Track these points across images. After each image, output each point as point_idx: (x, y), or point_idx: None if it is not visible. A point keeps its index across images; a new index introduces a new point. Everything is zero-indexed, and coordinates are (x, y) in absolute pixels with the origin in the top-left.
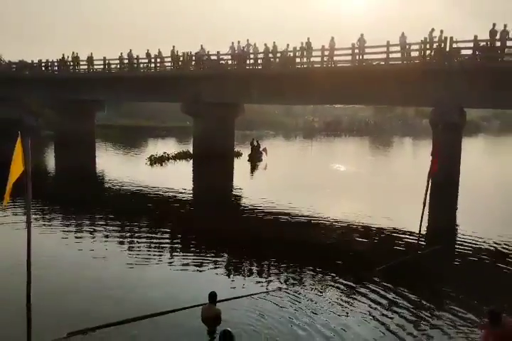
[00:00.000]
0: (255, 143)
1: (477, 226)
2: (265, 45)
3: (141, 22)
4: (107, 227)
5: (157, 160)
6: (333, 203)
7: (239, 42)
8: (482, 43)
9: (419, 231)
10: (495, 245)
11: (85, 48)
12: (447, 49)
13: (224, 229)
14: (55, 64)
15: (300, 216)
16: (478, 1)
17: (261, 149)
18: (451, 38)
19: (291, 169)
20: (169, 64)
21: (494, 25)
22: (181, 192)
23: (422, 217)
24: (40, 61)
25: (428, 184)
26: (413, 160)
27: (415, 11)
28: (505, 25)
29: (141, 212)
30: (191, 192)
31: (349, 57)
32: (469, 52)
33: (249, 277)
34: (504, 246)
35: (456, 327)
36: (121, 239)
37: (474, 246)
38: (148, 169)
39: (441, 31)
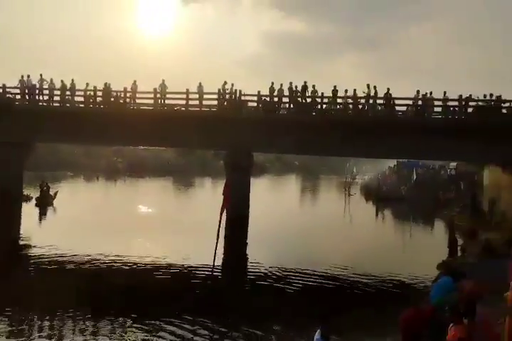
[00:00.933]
0: (45, 186)
1: (263, 254)
2: (62, 81)
3: None
4: None
5: None
6: (132, 245)
7: (28, 76)
8: (264, 98)
9: (214, 263)
10: (280, 271)
11: None
12: (237, 100)
13: (5, 287)
14: None
15: (94, 262)
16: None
17: (51, 192)
18: (240, 91)
19: (86, 213)
20: None
21: (272, 83)
22: None
23: (215, 251)
24: None
25: (220, 220)
26: (211, 198)
27: (210, 64)
28: (281, 85)
29: None
30: None
31: (151, 101)
32: (254, 104)
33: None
34: (287, 272)
35: None
36: None
37: (262, 273)
38: None
39: (232, 84)
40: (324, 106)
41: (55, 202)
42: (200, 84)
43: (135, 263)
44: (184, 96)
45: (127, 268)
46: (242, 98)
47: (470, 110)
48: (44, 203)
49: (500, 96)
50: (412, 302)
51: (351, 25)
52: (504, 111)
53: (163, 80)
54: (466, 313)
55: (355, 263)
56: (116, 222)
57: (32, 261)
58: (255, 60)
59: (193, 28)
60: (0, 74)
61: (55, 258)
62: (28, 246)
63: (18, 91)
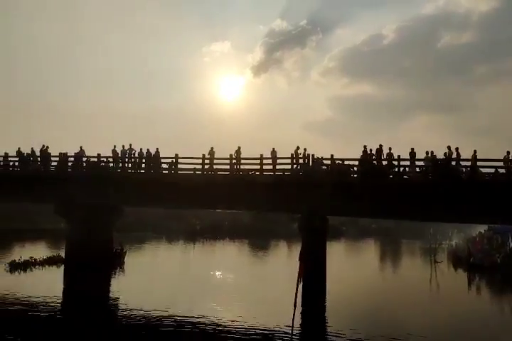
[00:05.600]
0: (118, 247)
1: (343, 321)
2: (148, 150)
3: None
4: None
5: (20, 267)
6: (214, 307)
7: (123, 146)
8: (338, 161)
9: (292, 330)
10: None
11: None
12: (310, 164)
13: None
14: None
15: (175, 321)
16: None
17: (115, 252)
18: (313, 155)
19: (156, 274)
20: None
21: (365, 146)
22: (47, 303)
23: (293, 318)
24: None
25: (297, 286)
26: (287, 262)
27: (280, 131)
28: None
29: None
30: (60, 302)
31: (227, 166)
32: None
33: None
34: None
35: None
36: None
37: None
38: (8, 276)
39: (305, 149)
40: (401, 169)
41: (125, 262)
42: (273, 149)
43: (215, 325)
44: (258, 161)
45: (208, 329)
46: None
47: None
48: (117, 261)
49: None
50: None
51: (422, 88)
52: None
53: (239, 147)
54: None
55: None
56: (186, 284)
57: (118, 317)
58: (325, 124)
59: (262, 97)
60: (95, 144)
61: (139, 314)
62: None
63: (110, 159)
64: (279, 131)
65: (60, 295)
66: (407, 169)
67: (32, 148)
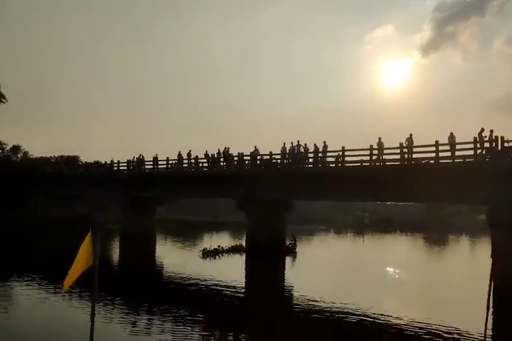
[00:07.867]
0: (292, 238)
1: None
2: (315, 145)
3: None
4: (164, 322)
5: (210, 254)
6: (391, 304)
7: (292, 143)
8: None
9: (485, 336)
10: None
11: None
12: (499, 148)
13: (279, 329)
14: (124, 164)
15: (356, 314)
16: None
17: (288, 243)
18: (502, 137)
19: (335, 266)
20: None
21: None
22: (232, 287)
23: (486, 322)
24: (112, 162)
25: (490, 287)
26: (471, 259)
27: (458, 115)
28: None
29: (196, 308)
30: (243, 287)
31: (398, 156)
32: None
33: None
34: None
35: None
36: (177, 335)
37: None
38: (201, 262)
39: (491, 131)
40: None
41: (297, 252)
42: (451, 134)
43: (396, 324)
44: (433, 148)
45: (387, 328)
46: (505, 145)
47: None
48: (289, 251)
49: None
50: None
51: None
52: None
53: (411, 134)
54: None
55: None
56: (358, 278)
57: (293, 305)
58: None
59: (433, 78)
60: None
61: (317, 304)
62: (291, 292)
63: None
64: (456, 113)
65: (243, 279)
66: None
67: (219, 150)
